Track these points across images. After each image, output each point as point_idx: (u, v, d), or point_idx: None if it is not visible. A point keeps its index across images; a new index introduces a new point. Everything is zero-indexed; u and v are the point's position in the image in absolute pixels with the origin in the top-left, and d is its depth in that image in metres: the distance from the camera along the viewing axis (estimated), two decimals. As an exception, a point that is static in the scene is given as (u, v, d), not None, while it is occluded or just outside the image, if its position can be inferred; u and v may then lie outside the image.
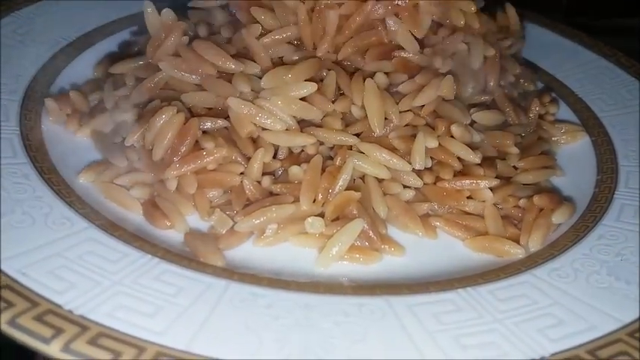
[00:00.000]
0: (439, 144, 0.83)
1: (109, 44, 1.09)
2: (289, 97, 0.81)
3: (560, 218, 0.83)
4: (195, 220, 0.81)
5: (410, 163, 0.81)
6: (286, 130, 0.81)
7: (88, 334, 0.58)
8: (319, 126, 0.84)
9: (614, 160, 0.96)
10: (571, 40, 1.25)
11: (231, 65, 0.84)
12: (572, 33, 1.26)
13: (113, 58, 1.02)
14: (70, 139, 0.90)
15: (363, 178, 0.83)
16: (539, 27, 1.27)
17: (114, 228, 0.75)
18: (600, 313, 0.68)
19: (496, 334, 0.64)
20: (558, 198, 0.86)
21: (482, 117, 0.89)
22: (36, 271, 0.65)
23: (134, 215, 0.80)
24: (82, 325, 0.59)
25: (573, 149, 1.01)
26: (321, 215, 0.79)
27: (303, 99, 0.82)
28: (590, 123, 1.05)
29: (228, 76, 0.85)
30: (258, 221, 0.77)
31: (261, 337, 0.61)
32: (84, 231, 0.73)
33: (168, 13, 0.90)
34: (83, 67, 1.03)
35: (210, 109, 0.86)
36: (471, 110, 0.89)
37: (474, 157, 0.83)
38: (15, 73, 0.96)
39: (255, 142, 0.82)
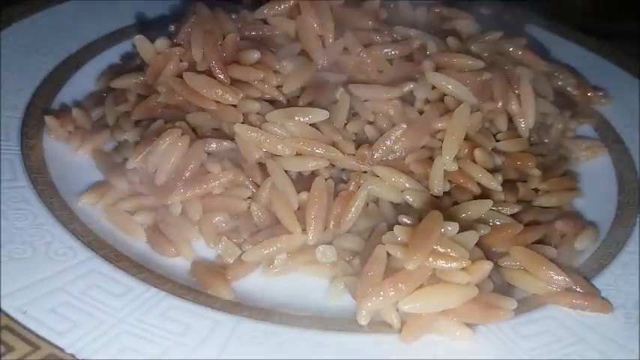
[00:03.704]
0: (459, 167, 0.79)
1: (112, 55, 1.06)
2: (299, 123, 0.78)
3: (584, 244, 0.80)
4: (201, 245, 0.78)
5: (427, 188, 0.78)
6: (296, 154, 0.78)
7: (91, 382, 0.56)
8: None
9: (635, 179, 0.92)
10: (590, 50, 1.21)
11: (228, 97, 0.80)
12: (591, 42, 1.22)
13: (115, 71, 0.99)
14: (71, 157, 0.88)
15: (376, 201, 0.80)
16: (557, 36, 1.23)
17: (118, 258, 0.72)
18: (628, 352, 0.65)
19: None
20: (581, 222, 0.83)
21: (507, 145, 0.85)
22: (37, 308, 0.62)
23: (138, 240, 0.77)
24: (84, 370, 0.57)
25: (593, 166, 0.97)
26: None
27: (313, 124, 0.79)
28: (610, 138, 1.02)
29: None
30: (267, 251, 0.73)
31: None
32: (87, 262, 0.70)
33: (162, 43, 0.86)
34: (86, 79, 1.00)
35: (215, 129, 0.83)
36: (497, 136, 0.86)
37: (495, 185, 0.79)
38: (16, 87, 0.93)
39: (262, 165, 0.79)
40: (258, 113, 0.80)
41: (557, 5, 1.33)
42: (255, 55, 0.82)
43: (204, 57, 0.83)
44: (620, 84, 1.12)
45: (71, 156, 0.87)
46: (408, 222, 0.68)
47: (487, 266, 0.64)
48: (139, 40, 0.87)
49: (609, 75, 1.14)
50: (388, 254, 0.66)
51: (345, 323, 0.67)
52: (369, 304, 0.64)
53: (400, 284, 0.63)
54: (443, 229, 0.66)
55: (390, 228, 0.70)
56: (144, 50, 0.87)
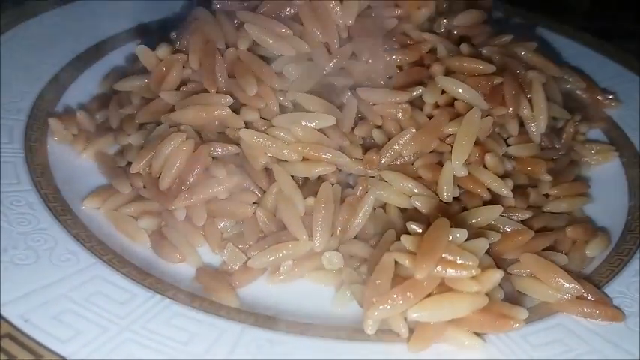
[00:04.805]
0: (469, 173, 0.78)
1: (118, 57, 1.05)
2: (306, 128, 0.77)
3: (595, 251, 0.79)
4: (205, 251, 0.77)
5: (436, 194, 0.77)
6: (303, 159, 0.77)
7: (95, 391, 0.55)
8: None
9: (646, 185, 0.91)
10: (597, 51, 1.19)
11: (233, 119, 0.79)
12: (598, 44, 1.21)
13: (120, 73, 0.98)
14: (76, 160, 0.87)
15: (384, 207, 0.79)
16: (564, 38, 1.21)
17: (122, 263, 0.71)
18: (641, 362, 0.64)
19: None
20: (592, 229, 0.81)
21: (518, 150, 0.84)
22: (39, 316, 0.61)
23: (142, 245, 0.76)
24: (87, 380, 0.56)
25: (603, 171, 0.95)
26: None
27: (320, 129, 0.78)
28: (620, 143, 1.00)
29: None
30: (273, 258, 0.72)
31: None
32: (91, 267, 0.69)
33: (164, 50, 0.86)
34: (91, 81, 0.99)
35: (220, 133, 0.82)
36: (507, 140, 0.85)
37: (506, 192, 0.78)
38: (21, 89, 0.92)
39: (268, 170, 0.78)
40: (263, 118, 0.79)
41: (560, 5, 1.32)
42: (253, 88, 0.79)
43: (201, 68, 0.83)
44: (629, 86, 1.11)
45: (76, 159, 0.87)
46: (417, 229, 0.67)
47: (497, 275, 0.63)
48: (141, 50, 0.87)
49: (618, 77, 1.13)
50: (396, 262, 0.65)
51: (352, 332, 0.66)
52: (377, 313, 0.63)
53: (408, 293, 0.62)
54: (451, 237, 0.64)
55: (398, 234, 0.69)
56: (146, 59, 0.87)
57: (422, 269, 0.61)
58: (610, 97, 1.06)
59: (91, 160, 0.87)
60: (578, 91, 1.04)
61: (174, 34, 0.89)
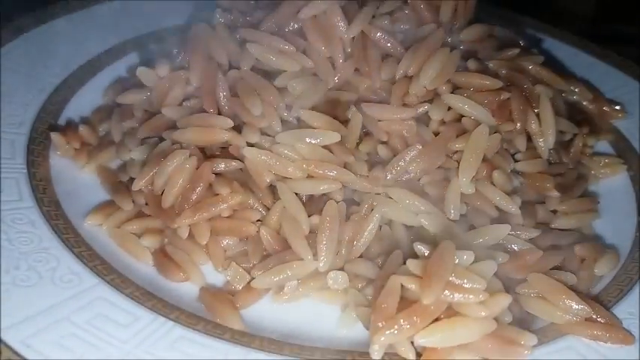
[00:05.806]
0: (476, 189, 0.76)
1: (119, 68, 1.04)
2: (310, 145, 0.76)
3: (604, 269, 0.77)
4: (209, 269, 0.76)
5: (443, 211, 0.76)
6: (307, 176, 0.76)
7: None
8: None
9: (654, 198, 0.90)
10: (603, 61, 1.18)
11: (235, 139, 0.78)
12: (603, 53, 1.19)
13: (122, 84, 0.98)
14: (78, 174, 0.86)
15: (390, 224, 0.78)
16: (570, 47, 1.20)
17: (125, 284, 0.70)
18: (652, 387, 0.63)
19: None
20: (601, 246, 0.80)
21: (526, 166, 0.83)
22: (40, 341, 0.60)
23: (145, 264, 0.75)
24: (89, 409, 0.55)
25: (611, 184, 0.94)
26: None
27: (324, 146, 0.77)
28: (628, 154, 0.99)
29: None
30: (277, 278, 0.71)
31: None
32: (93, 288, 0.68)
33: (163, 69, 0.85)
34: (93, 93, 0.98)
35: (224, 147, 0.81)
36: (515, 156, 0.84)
37: (514, 209, 0.77)
38: (23, 101, 0.91)
39: (273, 187, 0.77)
40: (267, 134, 0.78)
41: (561, 10, 1.31)
42: (259, 109, 0.78)
43: (201, 87, 0.82)
44: (636, 96, 1.09)
45: (78, 173, 0.86)
46: (424, 250, 0.66)
47: (506, 300, 0.62)
48: (141, 71, 0.86)
49: (624, 87, 1.11)
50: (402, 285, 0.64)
51: (359, 355, 0.65)
52: (383, 338, 0.62)
53: (415, 317, 0.61)
54: (458, 259, 0.63)
55: (405, 253, 0.68)
56: (147, 79, 0.87)
57: (429, 294, 0.60)
58: (617, 107, 1.05)
59: (93, 174, 0.86)
60: (584, 102, 1.03)
61: (175, 51, 0.88)
